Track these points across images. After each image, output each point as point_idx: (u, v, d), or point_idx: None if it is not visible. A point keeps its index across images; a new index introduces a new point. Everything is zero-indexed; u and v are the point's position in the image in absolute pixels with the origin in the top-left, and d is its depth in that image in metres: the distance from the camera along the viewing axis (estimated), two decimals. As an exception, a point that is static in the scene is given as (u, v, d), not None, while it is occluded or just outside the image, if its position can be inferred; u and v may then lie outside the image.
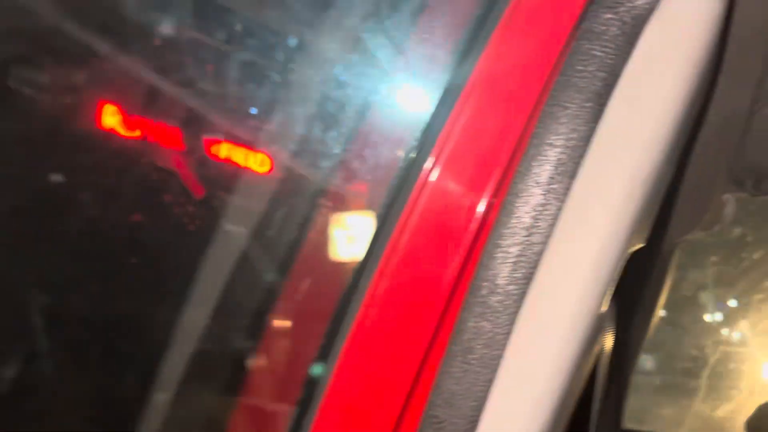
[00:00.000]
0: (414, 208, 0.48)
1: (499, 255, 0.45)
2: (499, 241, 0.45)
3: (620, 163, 0.45)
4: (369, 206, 0.69)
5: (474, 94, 0.50)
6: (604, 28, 0.47)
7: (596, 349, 0.48)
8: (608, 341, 1.23)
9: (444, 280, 0.47)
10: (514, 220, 0.45)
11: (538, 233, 0.45)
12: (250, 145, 1.00)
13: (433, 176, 0.48)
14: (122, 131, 0.96)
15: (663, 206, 1.10)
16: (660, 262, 1.13)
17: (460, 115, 0.49)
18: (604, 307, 0.46)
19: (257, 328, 0.80)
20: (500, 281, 0.45)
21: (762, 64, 0.78)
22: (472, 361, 0.44)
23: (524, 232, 0.45)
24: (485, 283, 0.45)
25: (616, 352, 1.23)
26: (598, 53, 0.47)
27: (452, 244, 0.47)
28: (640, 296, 1.17)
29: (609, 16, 0.47)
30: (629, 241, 0.45)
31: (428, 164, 0.49)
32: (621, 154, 0.46)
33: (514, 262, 0.45)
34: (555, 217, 0.45)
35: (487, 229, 0.46)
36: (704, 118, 0.82)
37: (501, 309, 0.44)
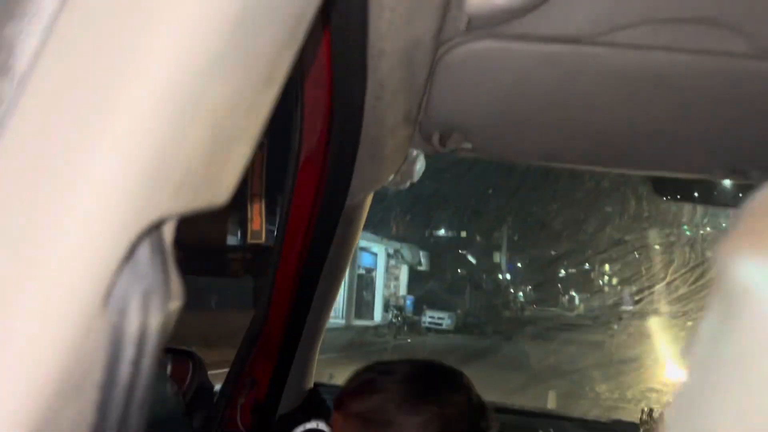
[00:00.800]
0: None
1: None
2: None
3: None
4: None
5: None
6: None
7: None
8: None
9: None
10: None
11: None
12: None
13: None
14: None
15: (345, 162, 0.99)
16: (346, 219, 1.03)
17: None
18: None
19: None
20: None
21: None
22: None
23: None
24: None
25: (301, 314, 1.13)
26: None
27: None
28: (329, 256, 1.06)
29: None
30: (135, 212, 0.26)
31: None
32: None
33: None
34: None
35: None
36: (360, 48, 0.69)
37: None
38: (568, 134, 0.92)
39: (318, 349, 1.25)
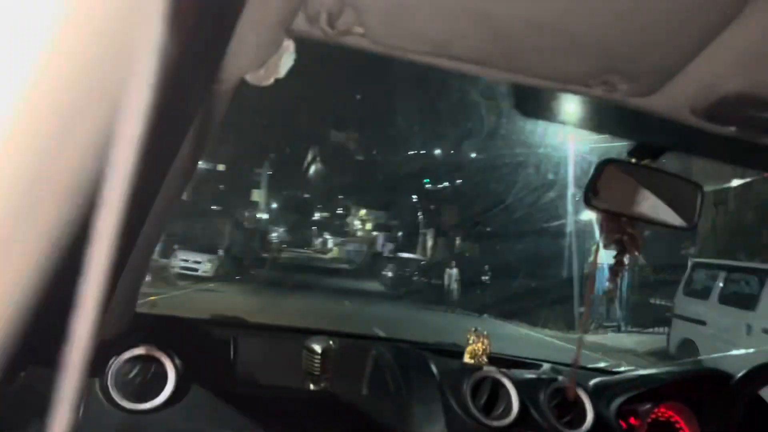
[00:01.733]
0: None
1: None
2: None
3: None
4: None
5: None
6: None
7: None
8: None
9: None
10: None
11: None
12: None
13: None
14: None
15: (224, 23, 0.82)
16: (208, 109, 0.85)
17: None
18: None
19: None
20: None
21: None
22: None
23: None
24: None
25: (133, 228, 0.93)
26: None
27: None
28: (179, 155, 0.88)
29: None
30: None
31: None
32: None
33: None
34: None
35: None
36: None
37: None
38: (465, 24, 0.85)
39: (148, 266, 1.07)
